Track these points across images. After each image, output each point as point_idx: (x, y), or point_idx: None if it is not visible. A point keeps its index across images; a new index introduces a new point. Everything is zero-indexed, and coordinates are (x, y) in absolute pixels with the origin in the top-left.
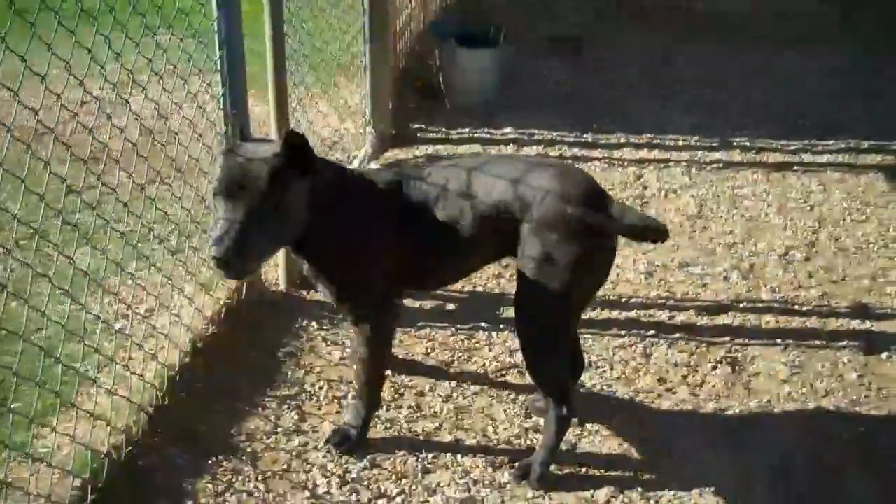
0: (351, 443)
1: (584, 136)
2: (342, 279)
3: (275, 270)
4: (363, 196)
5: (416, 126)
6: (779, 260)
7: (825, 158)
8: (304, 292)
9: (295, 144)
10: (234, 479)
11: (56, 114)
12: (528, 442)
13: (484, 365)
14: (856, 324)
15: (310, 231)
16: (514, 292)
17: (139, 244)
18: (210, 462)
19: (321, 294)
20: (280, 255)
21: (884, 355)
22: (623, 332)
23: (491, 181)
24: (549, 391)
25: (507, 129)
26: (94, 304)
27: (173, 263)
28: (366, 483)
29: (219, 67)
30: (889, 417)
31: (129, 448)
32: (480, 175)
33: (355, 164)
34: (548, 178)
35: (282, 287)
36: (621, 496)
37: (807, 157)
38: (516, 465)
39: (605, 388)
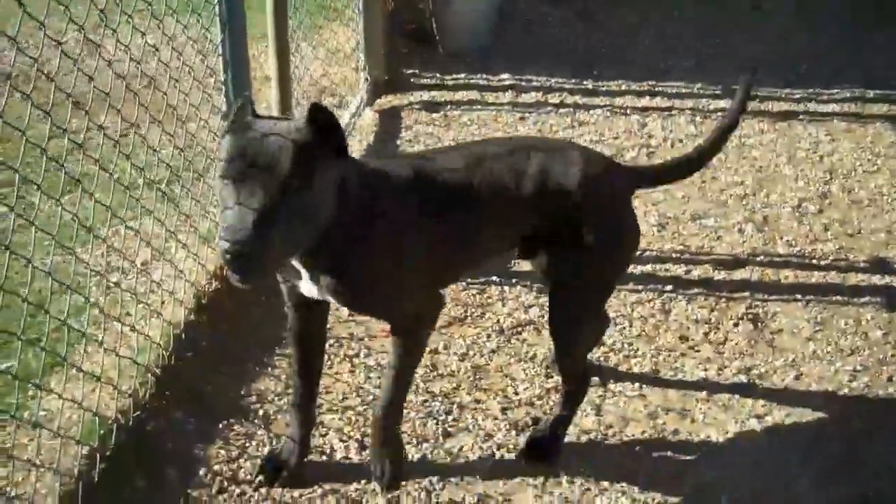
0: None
1: (584, 82)
2: (378, 285)
3: None
4: (390, 188)
5: (410, 72)
6: (792, 212)
7: (830, 108)
8: None
9: (322, 121)
10: (246, 444)
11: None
12: (551, 403)
13: (499, 321)
14: (876, 279)
15: (333, 231)
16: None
17: (135, 190)
18: (221, 426)
19: (338, 307)
20: None
21: None
22: (640, 288)
23: (521, 162)
24: (575, 376)
25: (504, 76)
26: (86, 255)
27: (171, 213)
28: None
29: (217, 12)
30: None
31: (137, 412)
32: (508, 157)
33: (352, 110)
34: (579, 157)
35: None
36: (652, 460)
37: (812, 107)
38: (526, 443)
39: (625, 345)
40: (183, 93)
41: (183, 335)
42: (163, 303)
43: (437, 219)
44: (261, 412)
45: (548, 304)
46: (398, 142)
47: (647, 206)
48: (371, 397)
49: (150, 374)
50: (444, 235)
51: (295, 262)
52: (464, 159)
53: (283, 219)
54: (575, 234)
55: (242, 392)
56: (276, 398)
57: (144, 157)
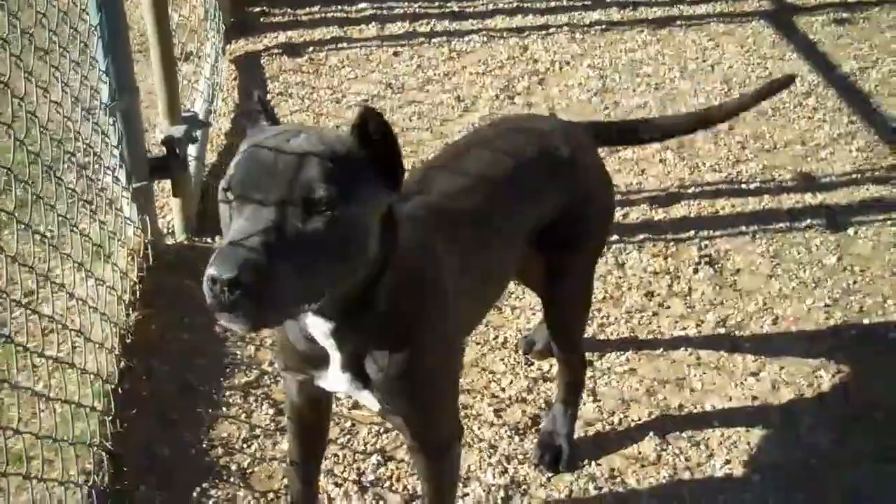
0: None
1: (448, 4)
2: (445, 369)
3: (163, 214)
4: (420, 233)
5: (257, 10)
6: (705, 133)
7: (704, 9)
8: (209, 239)
9: (372, 132)
10: None
11: None
12: (543, 395)
13: None
14: (808, 197)
15: (381, 292)
16: None
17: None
18: (195, 494)
19: (363, 400)
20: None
21: (850, 231)
22: None
23: (516, 159)
24: (581, 357)
25: (363, 5)
26: None
27: (37, 218)
28: (388, 484)
29: None
30: (886, 305)
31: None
32: (505, 157)
33: (211, 62)
34: (559, 128)
35: (179, 237)
36: (670, 447)
37: (686, 9)
38: (536, 447)
39: (594, 312)
40: (41, 49)
41: (119, 389)
42: (74, 347)
43: (475, 268)
44: (233, 467)
45: (546, 289)
46: (268, 97)
47: None
48: (350, 423)
49: (102, 451)
50: (483, 287)
51: (323, 337)
52: (466, 177)
53: (301, 245)
54: (576, 207)
55: (205, 445)
56: (243, 445)
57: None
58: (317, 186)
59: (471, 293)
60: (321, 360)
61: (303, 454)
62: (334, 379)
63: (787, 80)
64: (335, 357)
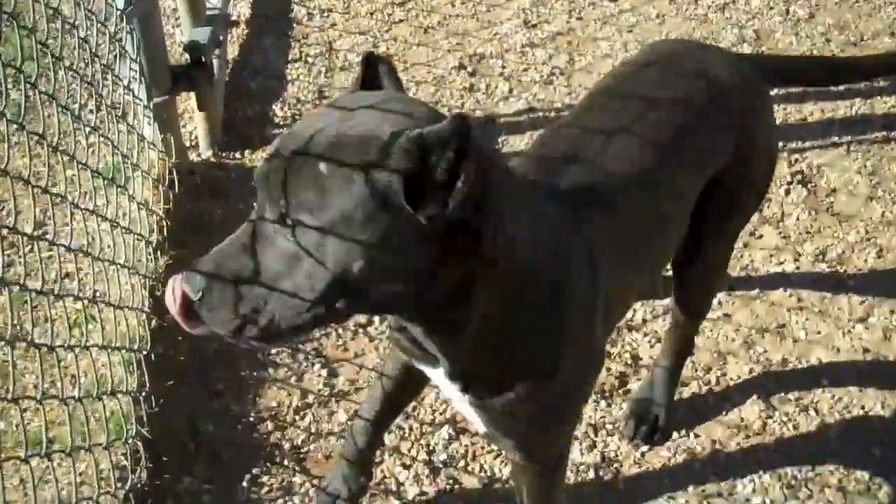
0: None
1: None
2: (562, 394)
3: (183, 123)
4: (559, 234)
5: None
6: (783, 21)
7: None
8: (238, 154)
9: (461, 136)
10: (287, 502)
11: None
12: (628, 349)
13: None
14: None
15: (465, 305)
16: None
17: None
18: (245, 483)
19: (480, 423)
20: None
21: None
22: None
23: (683, 111)
24: (698, 322)
25: None
26: None
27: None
28: (462, 464)
29: None
30: None
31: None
32: (668, 112)
33: None
34: (720, 59)
35: (204, 153)
36: (776, 413)
37: None
38: (628, 416)
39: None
40: None
41: (152, 356)
42: (97, 306)
43: (632, 265)
44: (286, 445)
45: (684, 253)
46: (292, 15)
47: (620, 35)
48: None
49: (137, 440)
50: (639, 281)
51: (429, 344)
52: (619, 142)
53: (293, 266)
54: (742, 165)
55: (252, 418)
56: (295, 417)
57: None
58: (294, 193)
59: (623, 293)
60: (432, 357)
61: (377, 416)
62: (443, 383)
63: None
64: (442, 367)
